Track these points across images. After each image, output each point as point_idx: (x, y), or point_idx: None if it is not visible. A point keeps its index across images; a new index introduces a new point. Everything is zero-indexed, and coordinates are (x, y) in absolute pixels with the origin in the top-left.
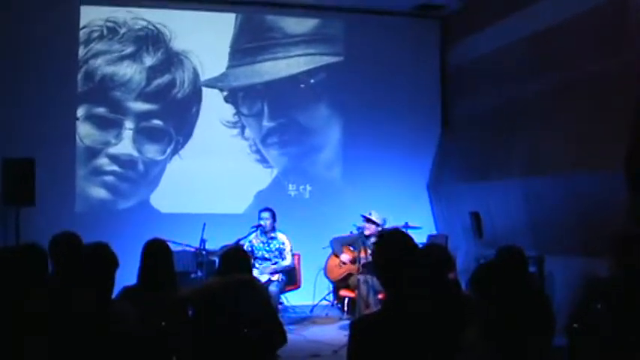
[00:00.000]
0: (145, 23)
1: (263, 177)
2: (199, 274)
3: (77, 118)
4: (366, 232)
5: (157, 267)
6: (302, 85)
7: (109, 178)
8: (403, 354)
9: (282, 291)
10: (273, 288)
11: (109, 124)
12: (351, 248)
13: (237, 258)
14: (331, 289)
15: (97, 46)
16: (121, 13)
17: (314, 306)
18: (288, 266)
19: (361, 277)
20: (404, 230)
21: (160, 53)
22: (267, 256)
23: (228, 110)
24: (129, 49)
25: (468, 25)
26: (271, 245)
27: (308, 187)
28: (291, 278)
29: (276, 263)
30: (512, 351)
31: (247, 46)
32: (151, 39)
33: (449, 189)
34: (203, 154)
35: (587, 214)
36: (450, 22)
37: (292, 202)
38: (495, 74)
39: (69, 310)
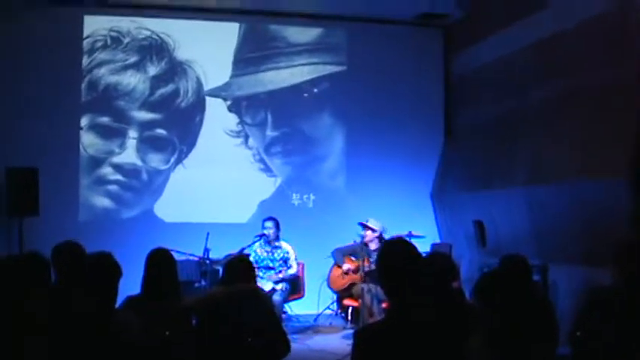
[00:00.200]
0: (148, 33)
1: (266, 186)
2: (203, 283)
3: (81, 128)
4: (365, 240)
5: (161, 276)
6: (305, 95)
7: (113, 188)
8: None
9: (286, 300)
10: (276, 297)
11: (112, 134)
12: (353, 258)
13: (241, 267)
14: (335, 298)
15: (101, 56)
16: (124, 23)
17: (318, 315)
18: (294, 274)
19: (365, 286)
20: (407, 239)
21: (163, 63)
22: (271, 265)
23: (232, 119)
24: (133, 59)
25: (471, 34)
26: (275, 254)
27: (312, 197)
28: (295, 287)
29: (280, 272)
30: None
31: (251, 56)
32: (155, 48)
33: (452, 198)
34: (207, 164)
35: (591, 222)
36: (453, 31)
37: (296, 212)
38: (498, 83)
39: (69, 311)
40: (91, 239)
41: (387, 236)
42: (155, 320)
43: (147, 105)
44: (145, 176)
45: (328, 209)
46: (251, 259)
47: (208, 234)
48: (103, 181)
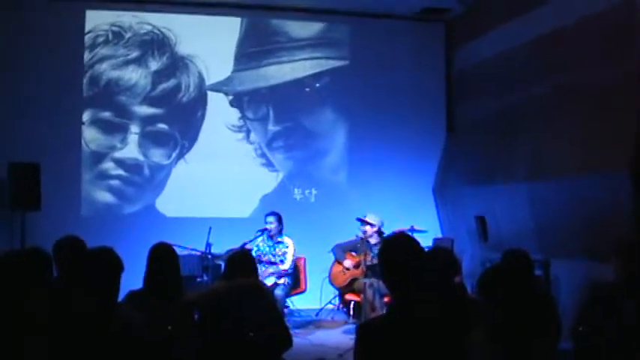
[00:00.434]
0: (150, 28)
1: (268, 181)
2: (205, 278)
3: (83, 123)
4: (365, 236)
5: (163, 271)
6: (307, 89)
7: (115, 183)
8: (410, 358)
9: (288, 295)
10: (278, 292)
11: (114, 129)
12: (354, 253)
13: (243, 262)
14: (337, 293)
15: (103, 51)
16: (126, 18)
17: (320, 310)
18: (285, 270)
19: (367, 281)
20: (410, 234)
21: (165, 58)
22: (273, 260)
23: (234, 114)
24: (134, 54)
25: (472, 29)
26: (277, 249)
27: (313, 191)
28: (294, 282)
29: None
30: (518, 354)
31: (252, 50)
32: (157, 43)
33: (454, 192)
34: (208, 158)
35: (593, 217)
36: (455, 26)
37: (298, 206)
38: (499, 78)
39: (69, 311)
40: (92, 234)
41: (385, 230)
42: (157, 315)
43: (148, 100)
44: (146, 171)
45: (330, 204)
46: (253, 253)
47: (210, 229)
48: (104, 176)
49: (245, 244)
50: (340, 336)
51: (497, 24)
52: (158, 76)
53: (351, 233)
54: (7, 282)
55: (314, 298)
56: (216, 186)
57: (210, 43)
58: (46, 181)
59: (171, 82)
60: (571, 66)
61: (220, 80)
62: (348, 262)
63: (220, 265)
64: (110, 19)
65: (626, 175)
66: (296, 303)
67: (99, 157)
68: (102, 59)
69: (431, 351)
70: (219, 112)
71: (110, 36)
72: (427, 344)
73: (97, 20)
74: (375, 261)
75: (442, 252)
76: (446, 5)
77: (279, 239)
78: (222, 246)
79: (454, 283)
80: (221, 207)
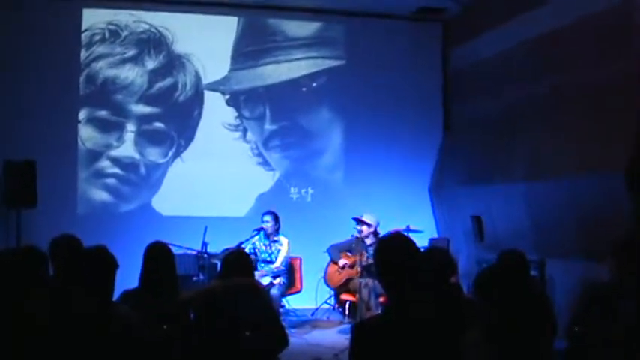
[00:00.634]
0: (147, 26)
1: (265, 180)
2: (201, 277)
3: (79, 121)
4: (362, 235)
5: (159, 270)
6: (304, 89)
7: (111, 181)
8: (405, 358)
9: (284, 294)
10: (274, 291)
11: (110, 127)
12: (349, 253)
13: (239, 261)
14: (332, 292)
15: (99, 49)
16: (123, 16)
17: (315, 309)
18: (277, 268)
19: (362, 281)
20: (405, 234)
21: (161, 56)
22: (268, 259)
23: (230, 113)
24: (131, 52)
25: (470, 29)
26: (273, 248)
27: (310, 191)
28: (289, 281)
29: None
30: (513, 354)
31: (249, 50)
32: (153, 42)
33: (450, 192)
34: (205, 157)
35: (589, 217)
36: (452, 26)
37: (294, 206)
38: (497, 78)
39: (69, 311)
40: (88, 232)
41: (381, 230)
42: (153, 314)
43: (145, 99)
44: (143, 170)
45: (326, 203)
46: (247, 250)
47: (206, 228)
48: (101, 175)
49: (241, 243)
50: (336, 335)
51: (495, 23)
52: (155, 75)
53: (347, 233)
54: (2, 280)
55: (309, 297)
56: (213, 185)
57: (206, 42)
58: (42, 179)
59: (168, 81)
60: (569, 66)
61: (217, 79)
62: (343, 261)
63: (216, 264)
64: (107, 18)
65: (623, 175)
66: (292, 302)
67: (95, 155)
68: (98, 58)
69: (426, 351)
70: (216, 111)
71: (107, 34)
72: (423, 344)
73: (93, 19)
74: (371, 261)
75: (438, 252)
76: (443, 5)
77: (276, 238)
78: (218, 245)
79: (450, 283)
80: (217, 206)
